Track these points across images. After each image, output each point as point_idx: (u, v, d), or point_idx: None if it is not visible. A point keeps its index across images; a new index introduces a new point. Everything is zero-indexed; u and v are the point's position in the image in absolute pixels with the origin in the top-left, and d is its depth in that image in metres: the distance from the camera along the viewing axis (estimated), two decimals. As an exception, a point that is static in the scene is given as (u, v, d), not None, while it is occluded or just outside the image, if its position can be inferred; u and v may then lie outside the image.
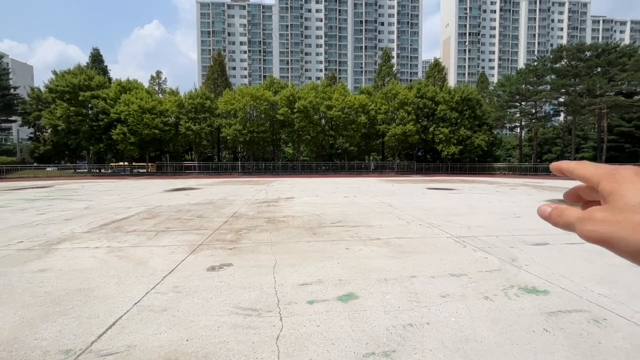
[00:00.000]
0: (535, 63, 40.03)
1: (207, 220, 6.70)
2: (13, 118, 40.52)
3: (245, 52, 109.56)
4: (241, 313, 2.55)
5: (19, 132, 48.87)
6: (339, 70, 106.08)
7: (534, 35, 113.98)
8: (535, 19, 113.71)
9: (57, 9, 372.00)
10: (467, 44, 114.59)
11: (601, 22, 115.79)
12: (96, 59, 44.82)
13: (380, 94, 39.65)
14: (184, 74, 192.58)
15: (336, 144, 41.96)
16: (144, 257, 4.07)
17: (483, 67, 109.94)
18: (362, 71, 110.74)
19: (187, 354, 2.01)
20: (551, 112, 43.57)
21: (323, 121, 38.27)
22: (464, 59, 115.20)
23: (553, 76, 38.24)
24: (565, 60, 37.19)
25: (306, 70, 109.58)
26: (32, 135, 42.19)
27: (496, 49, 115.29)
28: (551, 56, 38.06)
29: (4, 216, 7.30)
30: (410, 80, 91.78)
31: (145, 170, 37.50)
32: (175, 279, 3.29)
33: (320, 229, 5.82)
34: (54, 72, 34.57)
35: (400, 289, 3.02)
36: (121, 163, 40.90)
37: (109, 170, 37.49)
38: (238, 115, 35.40)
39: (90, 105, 34.00)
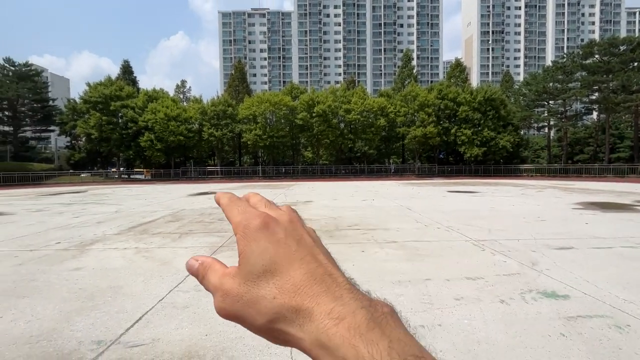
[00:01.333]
0: (564, 60, 38.28)
1: (228, 223, 6.91)
2: (52, 128, 43.35)
3: (265, 58, 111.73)
4: (257, 311, 2.66)
5: (57, 141, 52.19)
6: (358, 73, 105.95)
7: (563, 30, 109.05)
8: (563, 13, 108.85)
9: (91, 23, 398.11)
10: (490, 42, 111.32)
11: (638, 14, 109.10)
12: (126, 70, 47.25)
13: (400, 96, 39.21)
14: (207, 82, 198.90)
15: (355, 148, 41.81)
16: (168, 257, 4.29)
17: (508, 66, 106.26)
18: (381, 74, 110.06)
19: (205, 348, 2.14)
20: (582, 110, 41.43)
21: (342, 125, 38.32)
22: (487, 58, 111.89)
23: (583, 73, 36.39)
24: (596, 56, 35.34)
25: (325, 74, 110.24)
26: (68, 144, 44.95)
27: (522, 46, 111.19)
28: (580, 52, 36.28)
29: (43, 219, 7.87)
30: (431, 82, 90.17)
31: (142, 177, 39.32)
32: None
33: (337, 231, 5.88)
34: (88, 84, 36.77)
35: (413, 291, 3.03)
36: (114, 169, 43.05)
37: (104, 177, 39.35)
38: (258, 121, 36.15)
39: (120, 114, 35.84)
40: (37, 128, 42.34)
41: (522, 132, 44.25)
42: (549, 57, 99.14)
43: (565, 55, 38.60)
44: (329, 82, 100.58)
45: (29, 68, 39.18)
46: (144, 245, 5.00)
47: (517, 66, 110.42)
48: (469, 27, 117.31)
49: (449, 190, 15.69)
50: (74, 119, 36.47)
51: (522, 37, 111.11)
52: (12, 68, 38.60)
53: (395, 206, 9.53)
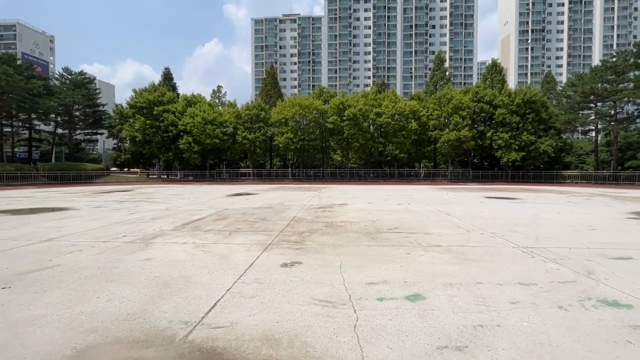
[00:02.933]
0: (614, 59, 35.68)
1: (271, 223, 7.25)
2: (101, 131, 46.94)
3: (295, 63, 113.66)
4: (318, 304, 2.87)
5: (104, 143, 56.29)
6: (388, 76, 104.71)
7: (612, 27, 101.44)
8: (613, 9, 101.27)
9: (134, 33, 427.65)
10: (529, 41, 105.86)
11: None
12: (167, 77, 50.09)
13: (433, 99, 38.37)
14: (239, 86, 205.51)
15: (385, 151, 41.43)
16: (225, 252, 4.63)
17: (549, 66, 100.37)
18: (411, 76, 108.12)
19: (280, 333, 2.37)
20: (635, 112, 38.30)
21: (372, 128, 38.15)
22: (526, 58, 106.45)
23: (637, 72, 33.72)
24: (653, 54, 32.59)
25: (354, 78, 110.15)
26: (115, 146, 48.39)
27: (564, 45, 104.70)
28: (634, 50, 33.66)
29: (104, 214, 8.65)
30: (464, 84, 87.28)
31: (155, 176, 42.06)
32: (255, 272, 3.74)
33: (379, 234, 5.99)
34: (134, 90, 39.48)
35: (466, 293, 3.10)
36: (136, 169, 46.63)
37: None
38: (289, 124, 36.89)
39: (162, 118, 38.08)
40: (88, 131, 45.92)
41: (565, 137, 41.64)
42: (596, 56, 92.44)
43: (616, 54, 35.96)
44: (357, 86, 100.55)
45: (83, 76, 42.68)
46: (199, 240, 5.41)
47: (559, 66, 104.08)
48: (506, 26, 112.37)
49: (487, 196, 15.19)
50: (120, 122, 39.24)
51: (565, 36, 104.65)
52: (69, 76, 42.27)
53: (432, 211, 9.45)
